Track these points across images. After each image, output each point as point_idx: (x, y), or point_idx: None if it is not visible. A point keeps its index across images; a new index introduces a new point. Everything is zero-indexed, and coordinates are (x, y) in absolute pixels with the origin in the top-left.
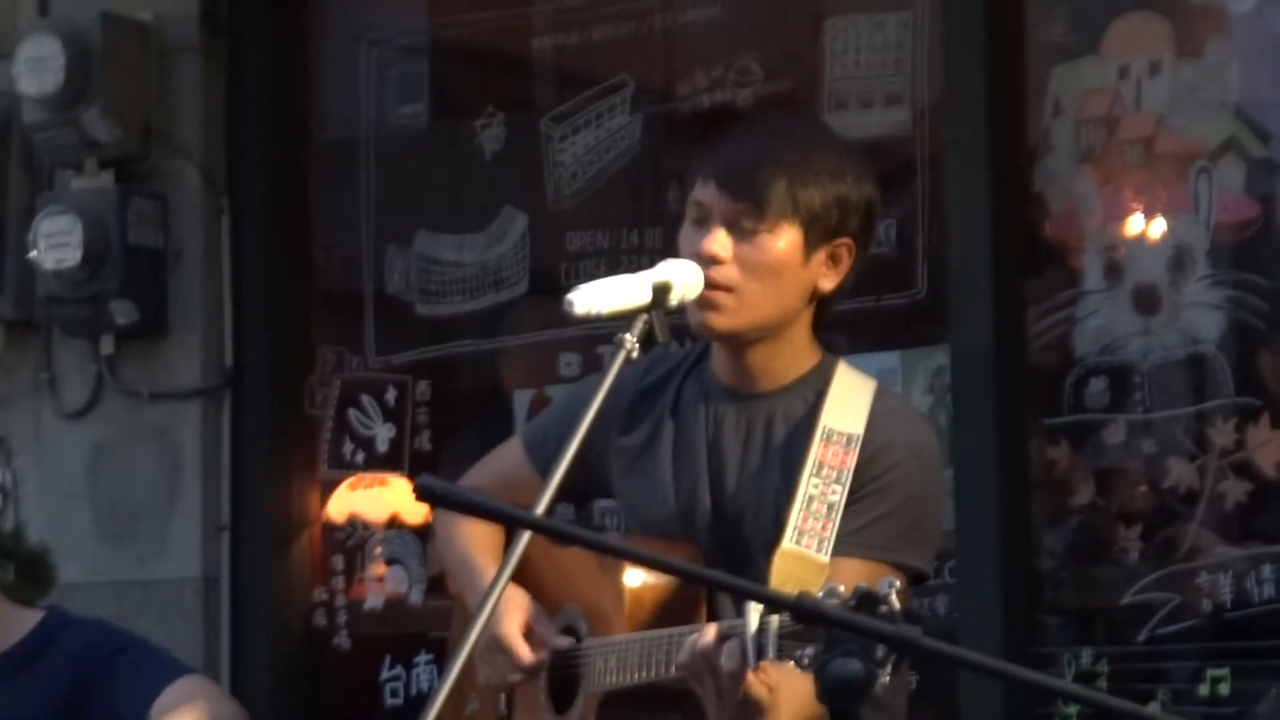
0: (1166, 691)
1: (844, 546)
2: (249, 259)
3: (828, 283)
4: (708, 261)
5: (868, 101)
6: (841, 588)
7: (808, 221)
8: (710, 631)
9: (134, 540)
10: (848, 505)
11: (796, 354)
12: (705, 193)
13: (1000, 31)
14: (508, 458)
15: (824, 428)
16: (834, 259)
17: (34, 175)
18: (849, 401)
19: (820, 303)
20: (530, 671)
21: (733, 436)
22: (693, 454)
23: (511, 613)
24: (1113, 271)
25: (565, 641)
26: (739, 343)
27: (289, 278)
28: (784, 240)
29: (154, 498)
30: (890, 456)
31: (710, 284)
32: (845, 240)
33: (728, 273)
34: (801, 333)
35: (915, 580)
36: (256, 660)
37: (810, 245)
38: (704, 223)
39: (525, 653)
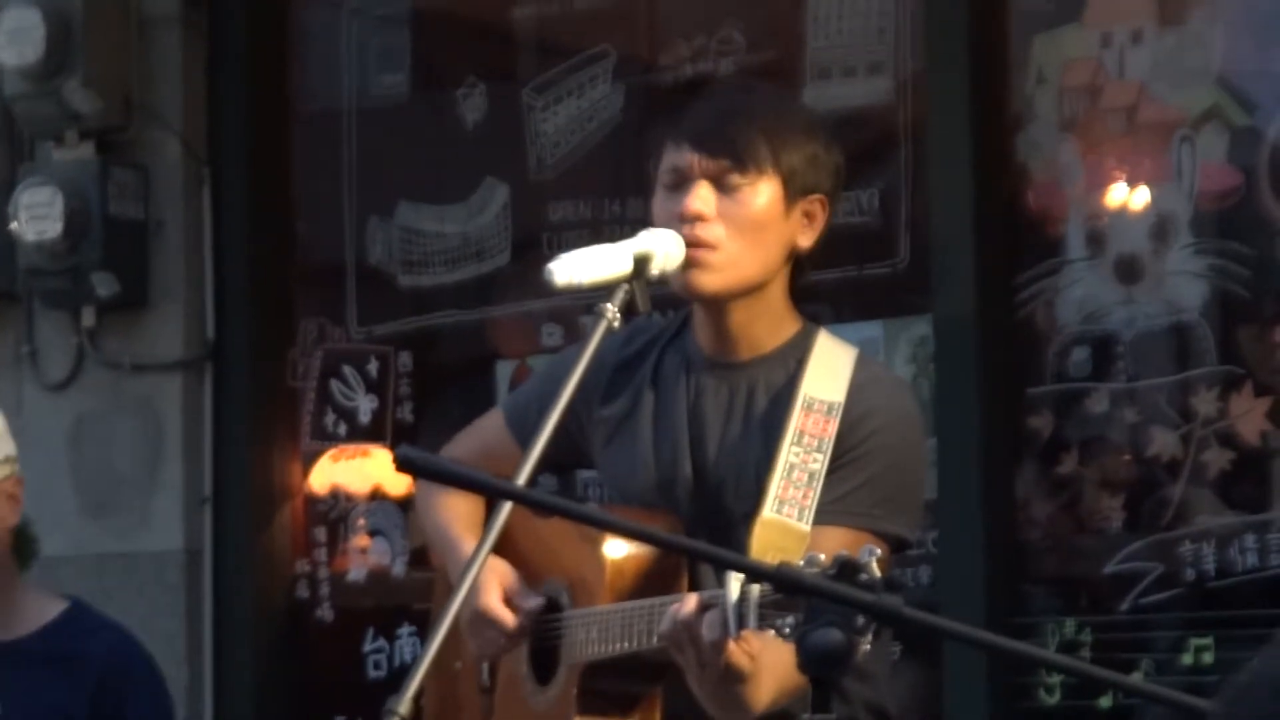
0: (1149, 661)
1: (826, 515)
2: (230, 230)
3: (805, 239)
4: (692, 220)
5: (850, 71)
6: (822, 556)
7: (786, 175)
8: (691, 601)
9: (116, 513)
10: (829, 473)
11: (776, 319)
12: (679, 156)
13: (983, 0)
14: (488, 429)
15: (805, 396)
16: (809, 215)
17: (14, 146)
18: (830, 370)
19: (796, 264)
20: (518, 635)
21: (713, 406)
22: (673, 424)
23: (491, 584)
24: (1095, 240)
25: (537, 601)
26: (722, 304)
27: (270, 249)
28: (765, 194)
29: (136, 470)
30: (871, 424)
31: (695, 243)
32: (819, 196)
33: (713, 229)
34: (779, 295)
35: (898, 548)
36: (239, 632)
37: (789, 200)
38: (681, 186)
39: (510, 619)
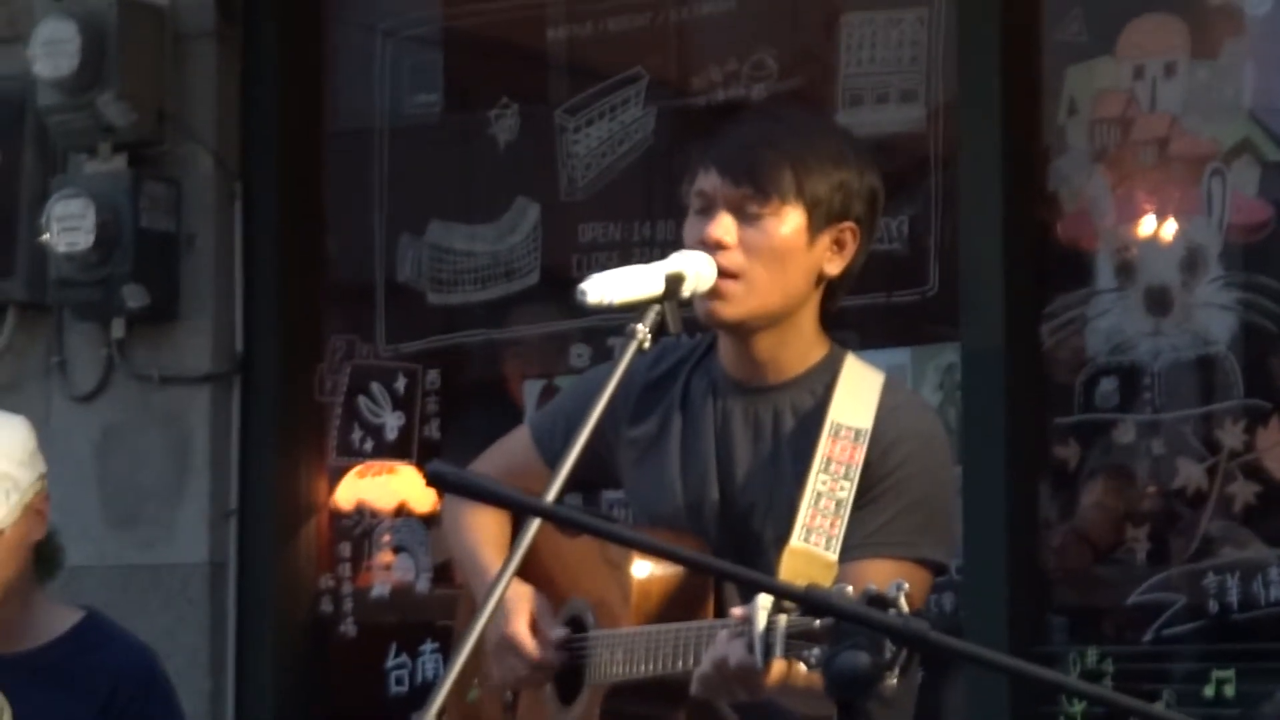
0: (1171, 692)
1: (867, 549)
2: (261, 245)
3: (833, 267)
4: (713, 247)
5: (882, 97)
6: (849, 589)
7: (811, 204)
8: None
9: (142, 524)
10: (863, 504)
11: (804, 344)
12: (707, 181)
13: (1016, 30)
14: (515, 448)
15: (832, 422)
16: (838, 244)
17: (47, 158)
18: (857, 395)
19: (827, 290)
20: (543, 668)
21: (741, 430)
22: (701, 447)
23: (519, 610)
24: (1124, 272)
25: (562, 631)
26: (746, 331)
27: (301, 264)
28: (788, 224)
29: (162, 482)
30: (902, 451)
31: (718, 271)
32: (849, 225)
33: (733, 258)
34: (808, 321)
35: (938, 573)
36: (262, 646)
37: (814, 229)
38: (707, 211)
39: (535, 650)
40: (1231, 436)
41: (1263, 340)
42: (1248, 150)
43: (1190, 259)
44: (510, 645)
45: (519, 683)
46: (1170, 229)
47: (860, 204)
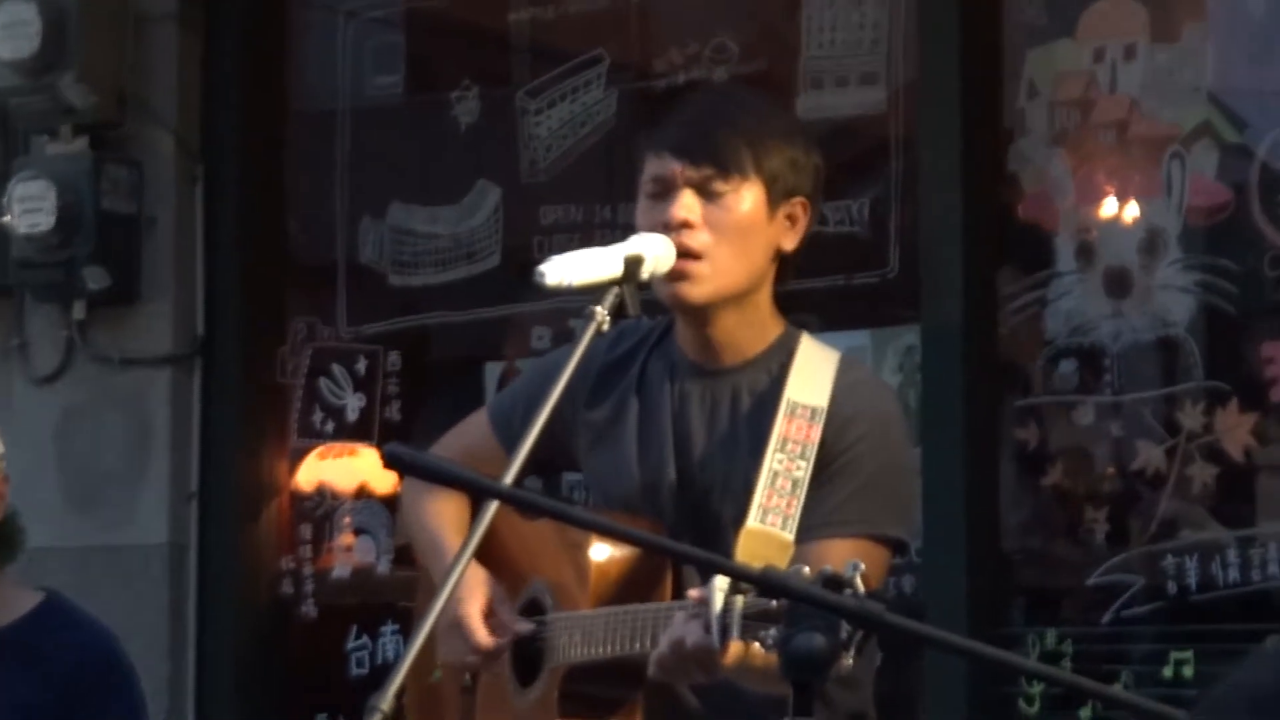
0: (1130, 673)
1: (825, 528)
2: (222, 227)
3: (789, 242)
4: (678, 227)
5: (843, 81)
6: (806, 570)
7: (769, 179)
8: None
9: (102, 506)
10: (819, 483)
11: (761, 325)
12: (661, 165)
13: (976, 13)
14: (473, 431)
15: (788, 401)
16: (791, 219)
17: (8, 140)
18: (813, 374)
19: (780, 267)
20: (488, 655)
21: (698, 411)
22: (658, 429)
23: (473, 594)
24: (1084, 254)
25: (526, 626)
26: (710, 312)
27: (262, 246)
28: (749, 200)
29: (123, 464)
30: (857, 429)
31: (683, 251)
32: (801, 199)
33: (699, 237)
34: (765, 300)
35: (897, 550)
36: (223, 628)
37: (772, 203)
38: (664, 195)
39: (484, 636)
40: (1191, 418)
41: (1222, 322)
42: (1207, 133)
43: (1150, 241)
44: (458, 627)
45: (464, 666)
46: (1130, 211)
47: (808, 180)
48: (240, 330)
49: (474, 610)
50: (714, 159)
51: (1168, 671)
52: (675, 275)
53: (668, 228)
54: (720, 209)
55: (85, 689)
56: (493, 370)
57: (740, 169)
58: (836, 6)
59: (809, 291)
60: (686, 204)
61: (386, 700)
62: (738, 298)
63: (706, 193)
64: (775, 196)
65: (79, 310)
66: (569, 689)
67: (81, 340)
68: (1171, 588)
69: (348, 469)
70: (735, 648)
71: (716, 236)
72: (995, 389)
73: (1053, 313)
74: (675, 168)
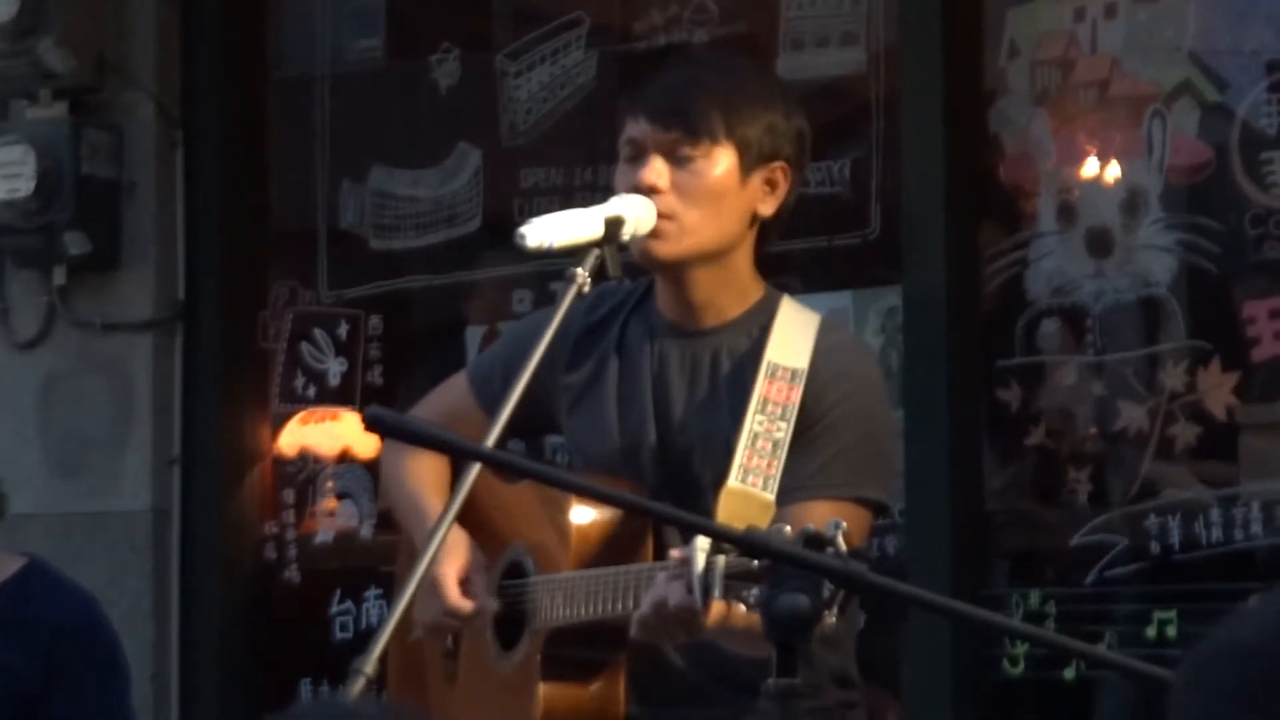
0: (1113, 633)
1: (806, 490)
2: (203, 192)
3: (766, 208)
4: (646, 192)
5: (824, 41)
6: (788, 528)
7: (741, 144)
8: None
9: (84, 472)
10: (800, 444)
11: (740, 287)
12: (636, 128)
13: None
14: (452, 394)
15: (768, 362)
16: (770, 184)
17: None
18: (793, 336)
19: (761, 232)
20: (457, 618)
21: (678, 373)
22: (638, 391)
23: (450, 555)
24: (1066, 214)
25: (493, 605)
26: (682, 271)
27: (243, 211)
28: (720, 164)
29: (105, 430)
30: (838, 391)
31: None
32: (780, 164)
33: (667, 201)
34: (744, 263)
35: (879, 512)
36: (206, 593)
37: (746, 169)
38: (637, 158)
39: (456, 598)
40: (1173, 378)
41: (1204, 282)
42: (1188, 92)
43: (1131, 201)
44: (432, 587)
45: (434, 626)
46: (1111, 171)
47: (789, 144)
48: (221, 295)
49: (449, 571)
50: (683, 124)
51: (1151, 631)
52: (648, 233)
53: (637, 191)
54: (688, 174)
55: (68, 654)
56: (474, 334)
57: (710, 134)
58: None
59: (790, 253)
60: (655, 169)
61: (370, 664)
62: (711, 258)
63: (675, 158)
64: (749, 161)
65: (59, 276)
66: (551, 651)
67: (62, 306)
68: (1154, 548)
69: (330, 433)
70: (718, 608)
71: (685, 202)
72: (977, 350)
73: (1034, 273)
74: (646, 132)
